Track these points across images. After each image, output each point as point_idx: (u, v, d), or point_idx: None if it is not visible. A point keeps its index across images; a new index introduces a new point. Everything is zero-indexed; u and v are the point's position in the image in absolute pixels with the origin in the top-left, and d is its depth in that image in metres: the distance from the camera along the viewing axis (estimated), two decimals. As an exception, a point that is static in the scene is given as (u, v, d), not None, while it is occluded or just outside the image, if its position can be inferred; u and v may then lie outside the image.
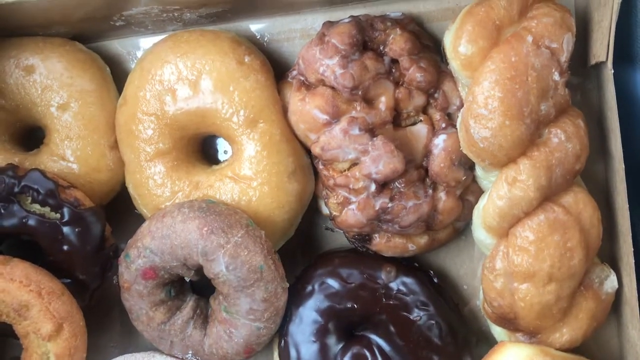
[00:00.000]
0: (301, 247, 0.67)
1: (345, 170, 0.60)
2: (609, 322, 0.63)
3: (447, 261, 0.66)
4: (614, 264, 0.61)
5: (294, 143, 0.62)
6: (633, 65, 0.85)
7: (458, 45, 0.57)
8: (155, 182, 0.62)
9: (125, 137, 0.63)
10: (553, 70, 0.55)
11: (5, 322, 0.58)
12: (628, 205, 0.58)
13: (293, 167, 0.61)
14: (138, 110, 0.62)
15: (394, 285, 0.61)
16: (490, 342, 0.63)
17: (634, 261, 0.58)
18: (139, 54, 0.67)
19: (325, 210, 0.64)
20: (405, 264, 0.63)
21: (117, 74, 0.66)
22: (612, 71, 0.55)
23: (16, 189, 0.59)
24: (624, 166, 0.58)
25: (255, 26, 0.66)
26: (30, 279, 0.57)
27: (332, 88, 0.59)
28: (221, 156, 0.68)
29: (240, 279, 0.57)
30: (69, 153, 0.63)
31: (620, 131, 0.72)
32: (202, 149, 0.67)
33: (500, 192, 0.56)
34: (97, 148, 0.63)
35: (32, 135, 0.67)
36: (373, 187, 0.59)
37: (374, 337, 0.60)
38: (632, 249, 0.57)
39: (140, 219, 0.64)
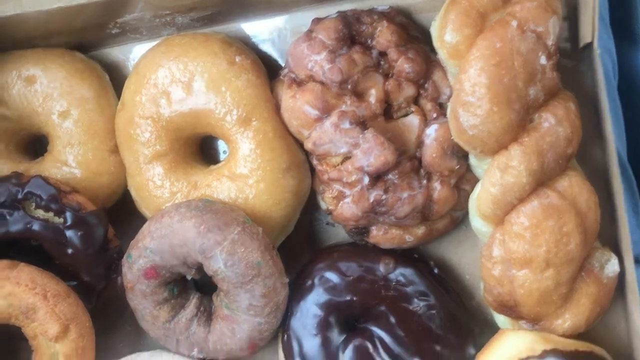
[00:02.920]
0: (304, 243, 0.68)
1: (338, 164, 0.60)
2: (615, 307, 0.62)
3: (449, 251, 0.66)
4: (616, 248, 0.60)
5: (288, 140, 0.63)
6: (636, 45, 0.83)
7: (443, 34, 0.56)
8: (155, 183, 0.63)
9: (124, 141, 0.64)
10: (540, 54, 0.55)
11: (15, 324, 0.60)
12: (623, 187, 0.57)
13: (288, 164, 0.62)
14: (135, 114, 0.63)
15: (392, 276, 0.61)
16: (494, 332, 0.63)
17: (631, 245, 0.57)
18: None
19: (323, 205, 0.64)
20: (405, 256, 0.63)
21: (117, 81, 0.68)
22: (599, 52, 0.54)
23: (20, 196, 0.61)
24: (615, 148, 0.57)
25: (247, 26, 0.67)
26: (36, 283, 0.59)
27: (322, 83, 0.59)
28: (221, 156, 0.69)
29: (238, 275, 0.58)
30: (71, 159, 0.64)
31: (625, 112, 0.71)
32: (201, 149, 0.68)
33: (492, 179, 0.56)
34: (98, 153, 0.65)
35: (38, 144, 0.69)
36: (366, 179, 0.59)
37: (375, 329, 0.60)
38: (629, 233, 0.56)
39: (145, 221, 0.65)
